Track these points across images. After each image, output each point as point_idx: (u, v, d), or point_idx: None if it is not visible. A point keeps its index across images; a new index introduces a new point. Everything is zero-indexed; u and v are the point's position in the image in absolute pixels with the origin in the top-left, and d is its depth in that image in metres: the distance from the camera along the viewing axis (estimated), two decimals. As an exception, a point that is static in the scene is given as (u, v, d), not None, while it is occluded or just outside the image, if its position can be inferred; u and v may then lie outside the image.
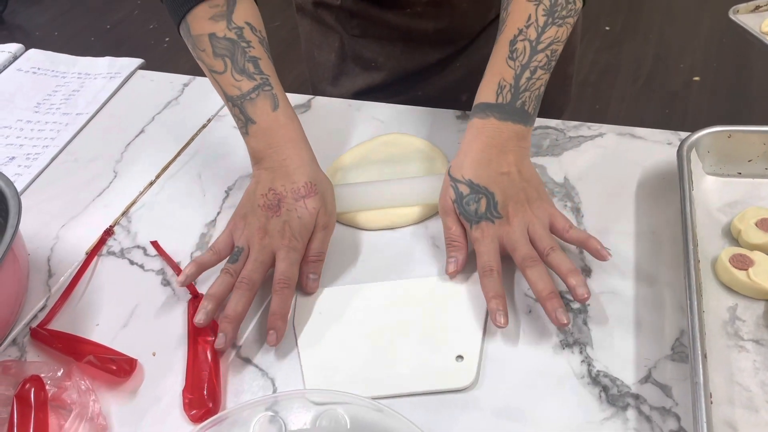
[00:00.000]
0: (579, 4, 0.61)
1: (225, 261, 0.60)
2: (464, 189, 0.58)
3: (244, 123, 0.63)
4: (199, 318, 0.55)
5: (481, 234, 0.57)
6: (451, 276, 0.59)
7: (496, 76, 0.59)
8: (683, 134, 0.68)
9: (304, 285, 0.59)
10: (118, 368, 0.55)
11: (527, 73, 0.58)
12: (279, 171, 0.61)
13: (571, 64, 0.94)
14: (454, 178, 0.59)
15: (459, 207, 0.58)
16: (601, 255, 0.56)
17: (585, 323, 0.56)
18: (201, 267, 0.59)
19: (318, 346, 0.57)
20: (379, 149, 0.74)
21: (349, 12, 0.84)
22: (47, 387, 0.54)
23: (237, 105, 0.63)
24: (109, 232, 0.69)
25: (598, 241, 0.56)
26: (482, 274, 0.56)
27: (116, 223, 0.71)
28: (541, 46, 0.59)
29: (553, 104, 0.88)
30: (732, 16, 1.19)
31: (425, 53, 0.85)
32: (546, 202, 0.59)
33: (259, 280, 0.57)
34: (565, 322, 0.52)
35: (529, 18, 0.59)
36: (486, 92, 0.60)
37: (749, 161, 0.64)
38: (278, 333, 0.55)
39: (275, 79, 0.64)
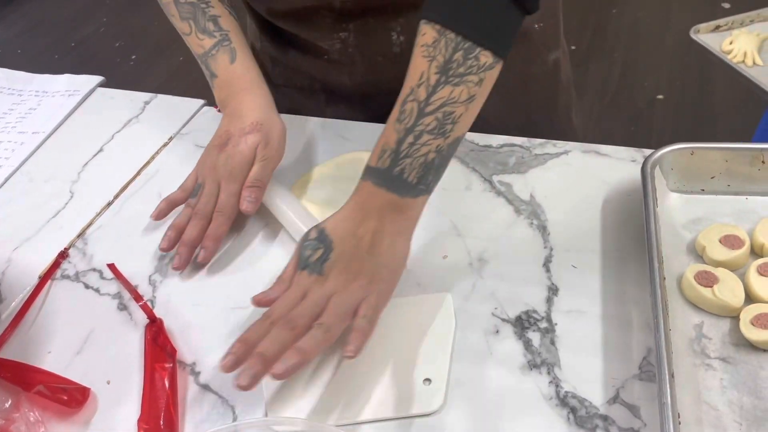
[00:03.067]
0: (487, 59, 0.52)
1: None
2: (313, 234, 0.56)
3: (210, 77, 0.70)
4: (163, 244, 0.64)
5: (297, 280, 0.55)
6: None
7: (382, 140, 0.55)
8: (647, 151, 0.68)
9: (241, 206, 0.64)
10: (69, 398, 0.53)
11: (410, 138, 0.53)
12: (234, 115, 0.68)
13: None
14: (317, 223, 0.57)
15: (300, 247, 0.56)
16: (347, 351, 0.50)
17: (552, 343, 0.55)
18: (171, 203, 0.67)
19: (280, 371, 0.55)
20: (345, 167, 0.73)
21: (270, 57, 0.82)
22: (-7, 420, 0.51)
23: (203, 62, 0.70)
24: (63, 255, 0.67)
25: (356, 340, 0.50)
26: (262, 318, 0.52)
27: (71, 245, 0.68)
28: (429, 108, 0.52)
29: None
30: (693, 36, 1.22)
31: (350, 109, 0.79)
32: (373, 286, 0.54)
33: (211, 210, 0.64)
34: (242, 384, 0.48)
35: (422, 76, 0.52)
36: (373, 155, 0.55)
37: (712, 178, 0.64)
38: (207, 252, 0.63)
39: (235, 33, 0.70)
